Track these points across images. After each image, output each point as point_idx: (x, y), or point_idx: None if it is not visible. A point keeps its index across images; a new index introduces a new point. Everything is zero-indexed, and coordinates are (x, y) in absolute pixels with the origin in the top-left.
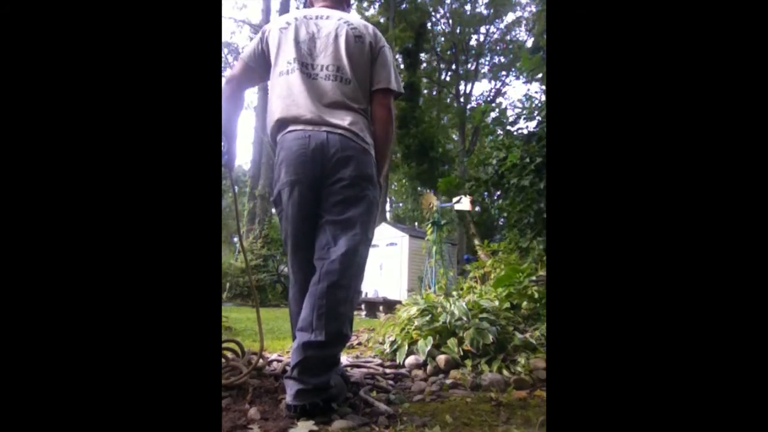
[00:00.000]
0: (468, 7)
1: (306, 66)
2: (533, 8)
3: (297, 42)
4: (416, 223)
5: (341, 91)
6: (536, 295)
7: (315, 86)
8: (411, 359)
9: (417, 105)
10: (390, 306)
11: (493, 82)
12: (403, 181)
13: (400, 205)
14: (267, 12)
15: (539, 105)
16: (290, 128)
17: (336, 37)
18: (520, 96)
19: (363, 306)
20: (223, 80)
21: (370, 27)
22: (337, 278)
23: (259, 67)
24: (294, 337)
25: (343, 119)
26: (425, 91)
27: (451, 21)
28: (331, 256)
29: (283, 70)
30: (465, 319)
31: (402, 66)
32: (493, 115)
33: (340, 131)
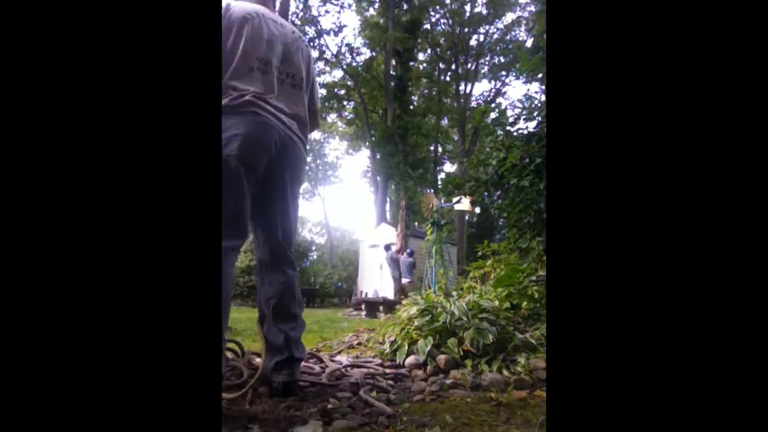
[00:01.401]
0: (468, 7)
1: (278, 70)
2: (533, 8)
3: (267, 41)
4: (416, 223)
5: (300, 100)
6: (536, 295)
7: (284, 91)
8: (411, 359)
9: (409, 101)
10: (390, 306)
11: (493, 82)
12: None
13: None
14: None
15: (539, 105)
16: (256, 110)
17: (298, 49)
18: (520, 96)
19: (363, 306)
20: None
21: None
22: None
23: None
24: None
25: (298, 127)
26: (425, 91)
27: (450, 21)
28: (288, 248)
29: (254, 66)
30: (465, 319)
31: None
32: (493, 115)
33: (296, 138)
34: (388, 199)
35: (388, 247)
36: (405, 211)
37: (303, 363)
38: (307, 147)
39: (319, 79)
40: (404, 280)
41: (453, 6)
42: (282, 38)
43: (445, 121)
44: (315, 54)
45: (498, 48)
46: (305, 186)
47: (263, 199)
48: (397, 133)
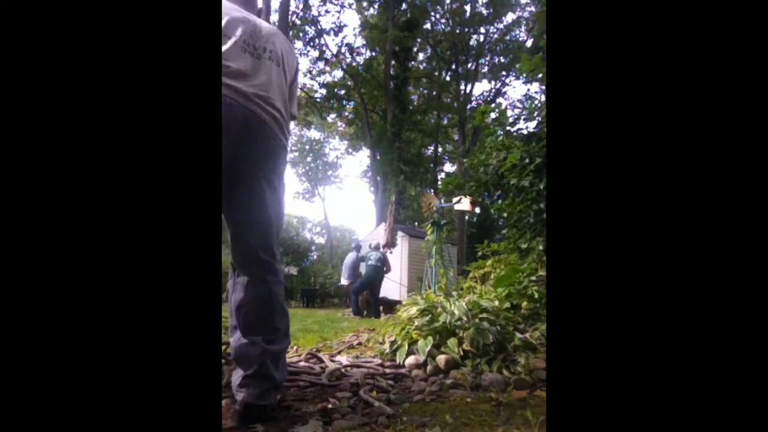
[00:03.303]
0: (468, 8)
1: (244, 41)
2: (533, 8)
3: (229, 19)
4: (416, 223)
5: (278, 75)
6: (536, 295)
7: (248, 60)
8: (411, 359)
9: (407, 101)
10: (390, 306)
11: (493, 82)
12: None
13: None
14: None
15: (539, 105)
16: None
17: (274, 34)
18: (520, 96)
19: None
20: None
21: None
22: None
23: None
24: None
25: (270, 105)
26: (425, 91)
27: (450, 21)
28: (263, 251)
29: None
30: (465, 319)
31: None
32: (493, 115)
33: (266, 117)
34: (388, 199)
35: (357, 248)
36: (394, 206)
37: (300, 372)
38: (288, 131)
39: (319, 79)
40: (342, 281)
41: (453, 6)
42: (252, 21)
43: (445, 121)
44: (315, 54)
45: (498, 48)
46: (305, 186)
47: (226, 189)
48: (391, 131)
